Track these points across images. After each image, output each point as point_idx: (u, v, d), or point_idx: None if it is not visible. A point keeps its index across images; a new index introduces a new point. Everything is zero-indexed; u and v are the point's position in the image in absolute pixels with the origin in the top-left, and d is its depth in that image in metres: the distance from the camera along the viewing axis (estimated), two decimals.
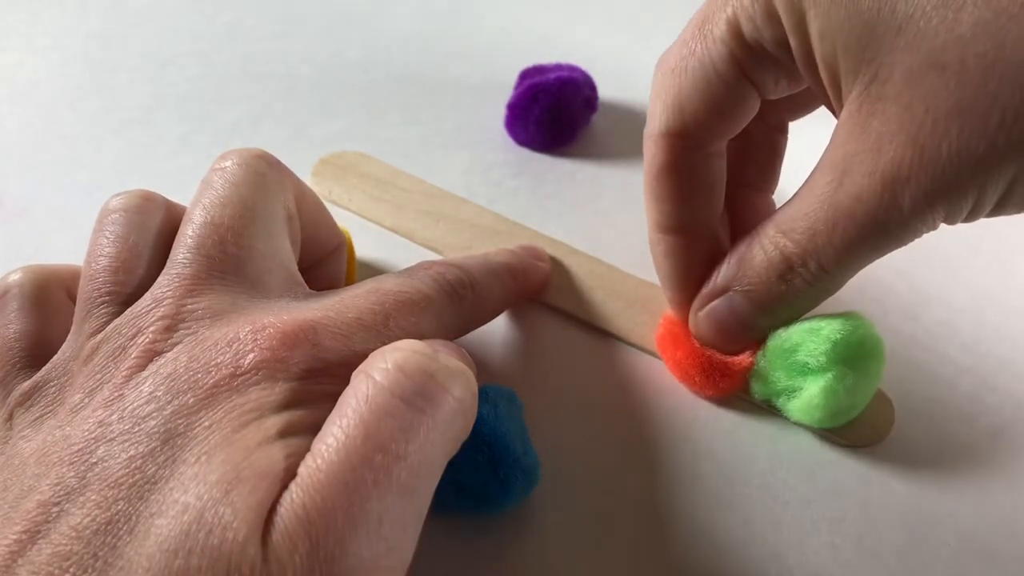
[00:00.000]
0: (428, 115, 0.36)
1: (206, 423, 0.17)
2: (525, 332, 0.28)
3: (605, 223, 0.32)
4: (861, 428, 0.25)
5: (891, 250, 0.22)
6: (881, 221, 0.20)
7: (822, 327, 0.24)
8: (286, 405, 0.18)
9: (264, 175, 0.22)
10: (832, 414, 0.24)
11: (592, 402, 0.26)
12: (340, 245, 0.26)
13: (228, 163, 0.22)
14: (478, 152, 0.35)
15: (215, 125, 0.36)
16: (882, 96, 0.20)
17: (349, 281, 0.28)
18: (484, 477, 0.22)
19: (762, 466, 0.25)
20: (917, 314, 0.29)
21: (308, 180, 0.33)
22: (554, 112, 0.34)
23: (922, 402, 0.26)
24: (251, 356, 0.18)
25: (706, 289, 0.25)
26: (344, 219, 0.32)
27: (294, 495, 0.16)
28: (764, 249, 0.23)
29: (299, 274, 0.22)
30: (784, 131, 0.28)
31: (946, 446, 0.25)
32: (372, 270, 0.30)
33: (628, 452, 0.25)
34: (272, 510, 0.16)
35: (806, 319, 0.25)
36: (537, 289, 0.28)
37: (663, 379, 0.27)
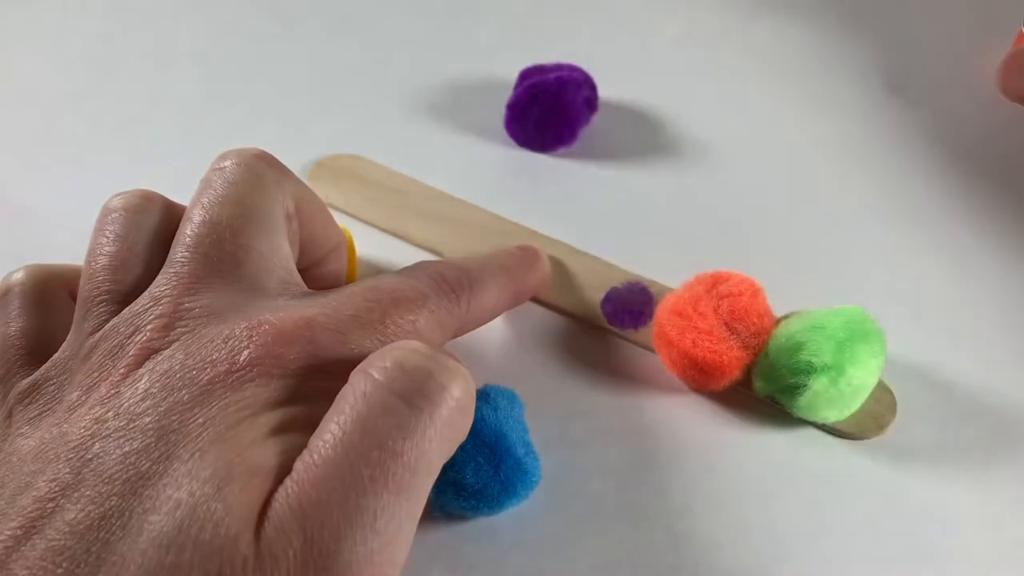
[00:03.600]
0: (428, 115, 0.36)
1: (200, 419, 0.17)
2: (525, 332, 0.28)
3: (605, 223, 0.32)
4: (863, 420, 0.25)
5: None
6: None
7: (825, 325, 0.24)
8: (281, 402, 0.18)
9: (263, 175, 0.22)
10: (836, 410, 0.24)
11: (592, 402, 0.26)
12: (340, 245, 0.26)
13: (227, 163, 0.22)
14: (478, 152, 0.35)
15: (215, 125, 0.36)
16: None
17: (350, 280, 0.28)
18: (485, 477, 0.22)
19: (762, 466, 0.25)
20: (918, 313, 0.29)
21: (305, 182, 0.32)
22: (554, 112, 0.34)
23: (923, 402, 0.26)
24: (246, 353, 0.18)
25: None
26: (344, 220, 0.32)
27: (289, 490, 0.16)
28: None
29: (297, 273, 0.22)
30: None
31: (947, 446, 0.25)
32: (373, 269, 0.30)
33: (628, 452, 0.25)
34: (267, 505, 0.16)
35: (809, 315, 0.25)
36: (536, 290, 0.28)
37: (663, 378, 0.27)
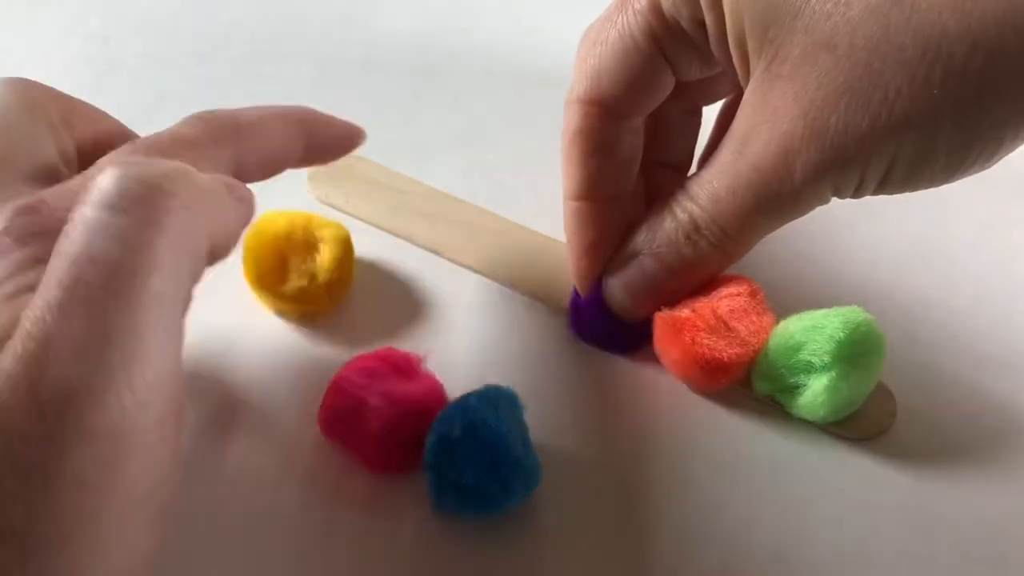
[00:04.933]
0: (428, 115, 0.36)
1: None
2: (525, 332, 0.28)
3: None
4: (864, 421, 0.25)
5: (787, 220, 0.23)
6: (775, 189, 0.22)
7: (825, 325, 0.24)
8: (14, 272, 0.17)
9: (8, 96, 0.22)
10: (835, 410, 0.24)
11: (592, 403, 0.26)
12: (112, 131, 0.26)
13: None
14: (478, 152, 0.35)
15: None
16: (780, 74, 0.21)
17: (348, 280, 0.28)
18: (485, 478, 0.22)
19: (762, 466, 0.25)
20: (918, 314, 0.29)
21: (304, 183, 0.32)
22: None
23: (923, 402, 0.26)
24: None
25: (618, 255, 0.26)
26: (344, 220, 0.31)
27: (18, 343, 0.15)
28: (673, 213, 0.25)
29: (58, 172, 0.22)
30: (698, 114, 0.28)
31: (947, 447, 0.25)
32: (372, 269, 0.30)
33: (628, 453, 0.25)
34: None
35: (808, 316, 0.25)
36: (346, 151, 0.26)
37: (663, 379, 0.27)
